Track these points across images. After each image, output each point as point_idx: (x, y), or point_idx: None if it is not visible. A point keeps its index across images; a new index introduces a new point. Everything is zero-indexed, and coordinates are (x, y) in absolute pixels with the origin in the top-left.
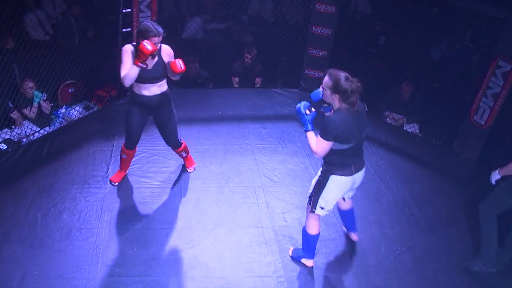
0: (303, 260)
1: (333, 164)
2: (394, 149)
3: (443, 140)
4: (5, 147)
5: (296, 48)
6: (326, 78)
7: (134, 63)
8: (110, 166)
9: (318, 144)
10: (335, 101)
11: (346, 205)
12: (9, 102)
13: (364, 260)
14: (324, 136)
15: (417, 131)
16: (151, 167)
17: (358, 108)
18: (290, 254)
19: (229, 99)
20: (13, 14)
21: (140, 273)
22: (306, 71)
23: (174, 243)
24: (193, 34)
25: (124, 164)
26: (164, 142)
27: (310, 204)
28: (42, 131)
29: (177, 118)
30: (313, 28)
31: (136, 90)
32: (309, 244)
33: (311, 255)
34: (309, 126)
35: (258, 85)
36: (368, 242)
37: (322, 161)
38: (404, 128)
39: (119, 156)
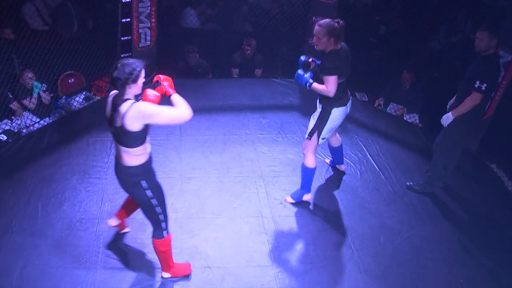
0: (304, 197)
1: (333, 98)
2: (394, 139)
3: None
4: (5, 138)
5: (296, 38)
6: (318, 28)
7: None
8: (110, 157)
9: (330, 83)
10: (331, 44)
11: (337, 143)
12: (8, 93)
13: (364, 250)
14: (332, 73)
15: (417, 121)
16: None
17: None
18: (292, 201)
19: (229, 89)
20: (11, 4)
21: (140, 263)
22: None
23: (174, 233)
24: (192, 24)
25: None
26: (164, 132)
27: (310, 139)
28: (42, 121)
29: None
30: (313, 17)
31: (144, 152)
32: (308, 178)
33: (308, 189)
34: (311, 80)
35: (258, 75)
36: (367, 232)
37: (320, 100)
38: (404, 119)
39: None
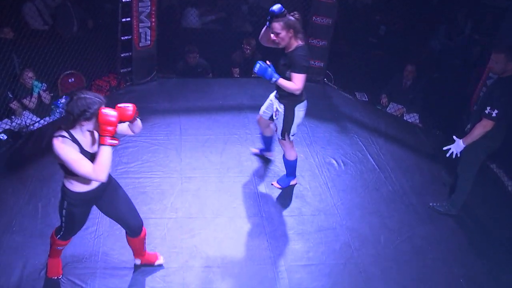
0: (292, 182)
1: (295, 96)
2: (394, 139)
3: (443, 130)
4: (5, 137)
5: None
6: (275, 24)
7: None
8: None
9: (300, 81)
10: (292, 38)
11: (270, 133)
12: (8, 93)
13: (364, 250)
14: (304, 71)
15: (418, 121)
16: (151, 157)
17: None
18: (279, 186)
19: (229, 88)
20: (11, 4)
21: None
22: None
23: (174, 232)
24: (192, 24)
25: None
26: (164, 132)
27: (284, 139)
28: (42, 121)
29: (178, 109)
30: (313, 17)
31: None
32: (293, 168)
33: (294, 175)
34: (276, 75)
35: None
36: (367, 231)
37: (281, 99)
38: (404, 118)
39: (118, 146)
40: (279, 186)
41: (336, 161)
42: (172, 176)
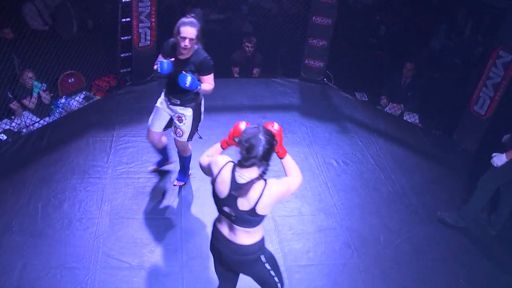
0: (190, 172)
1: (199, 96)
2: (394, 139)
3: (443, 130)
4: (5, 137)
5: (296, 38)
6: (192, 29)
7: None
8: (110, 156)
9: (213, 80)
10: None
11: (165, 141)
12: (8, 93)
13: (364, 250)
14: (212, 70)
15: (417, 121)
16: (151, 157)
17: None
18: (182, 183)
19: (229, 88)
20: (11, 4)
21: (140, 263)
22: (306, 61)
23: (174, 232)
24: None
25: None
26: (164, 132)
27: (188, 139)
28: (42, 121)
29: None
30: (313, 17)
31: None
32: (188, 161)
33: (189, 168)
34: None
35: (256, 75)
36: (367, 231)
37: (187, 103)
38: (404, 118)
39: (118, 146)
40: (182, 183)
41: (336, 161)
42: (172, 176)
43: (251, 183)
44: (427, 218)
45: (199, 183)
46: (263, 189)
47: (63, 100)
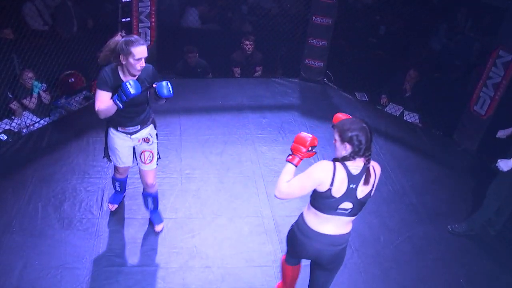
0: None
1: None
2: (394, 139)
3: (443, 130)
4: (5, 137)
5: (296, 38)
6: (145, 47)
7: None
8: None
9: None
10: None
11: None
12: (8, 93)
13: (364, 250)
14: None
15: (418, 121)
16: None
17: None
18: (112, 209)
19: (229, 88)
20: (11, 4)
21: (140, 263)
22: (306, 60)
23: (174, 233)
24: (192, 24)
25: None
26: (164, 132)
27: (156, 165)
28: (42, 121)
29: (177, 109)
30: (313, 17)
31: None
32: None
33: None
34: None
35: (259, 73)
36: (367, 231)
37: (149, 121)
38: (404, 118)
39: None
40: (162, 222)
41: None
42: (172, 176)
43: (364, 170)
44: (427, 218)
45: (199, 183)
46: (374, 171)
47: (63, 100)
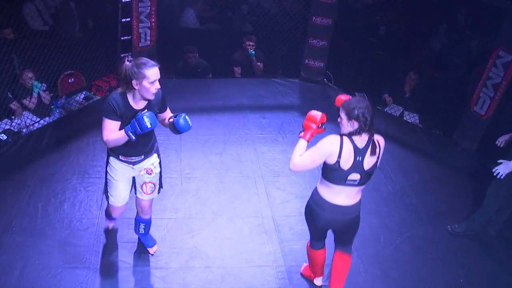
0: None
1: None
2: (394, 139)
3: (443, 130)
4: (5, 137)
5: (296, 38)
6: (157, 69)
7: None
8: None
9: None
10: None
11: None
12: (8, 93)
13: (363, 250)
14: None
15: (417, 121)
16: None
17: None
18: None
19: (229, 89)
20: (11, 4)
21: (140, 263)
22: (306, 61)
23: (174, 233)
24: (191, 24)
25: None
26: (164, 132)
27: (160, 188)
28: (42, 121)
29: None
30: (313, 17)
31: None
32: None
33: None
34: None
35: (260, 71)
36: (367, 231)
37: (154, 150)
38: (404, 118)
39: None
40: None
41: None
42: (172, 176)
43: (369, 143)
44: (427, 218)
45: (199, 183)
46: (379, 143)
47: (63, 100)
